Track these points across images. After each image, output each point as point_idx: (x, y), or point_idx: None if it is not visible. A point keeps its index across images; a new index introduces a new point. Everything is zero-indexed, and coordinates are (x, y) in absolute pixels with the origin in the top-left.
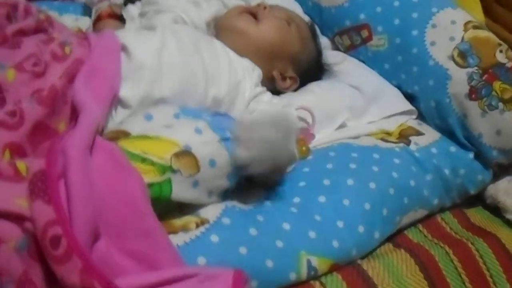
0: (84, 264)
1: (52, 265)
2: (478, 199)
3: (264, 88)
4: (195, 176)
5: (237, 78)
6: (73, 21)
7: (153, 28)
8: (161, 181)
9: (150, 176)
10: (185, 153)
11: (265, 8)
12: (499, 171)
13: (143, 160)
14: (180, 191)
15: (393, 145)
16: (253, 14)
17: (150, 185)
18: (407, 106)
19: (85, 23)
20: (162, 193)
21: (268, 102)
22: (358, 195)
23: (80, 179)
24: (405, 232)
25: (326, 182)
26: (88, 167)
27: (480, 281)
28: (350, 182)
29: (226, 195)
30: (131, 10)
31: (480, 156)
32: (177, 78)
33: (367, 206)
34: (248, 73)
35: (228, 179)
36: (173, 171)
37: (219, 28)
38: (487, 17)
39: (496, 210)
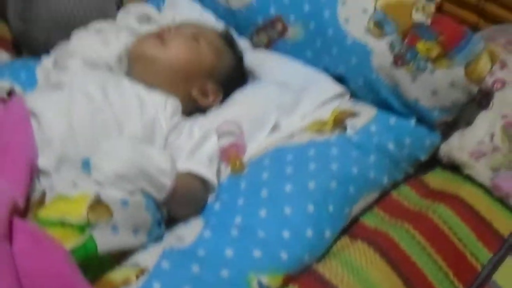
0: None
1: None
2: (436, 161)
3: (182, 119)
4: (111, 222)
5: (150, 115)
6: None
7: (60, 85)
8: (83, 242)
9: (72, 241)
10: (97, 202)
11: (169, 29)
12: (447, 129)
13: (63, 224)
14: (104, 242)
15: (329, 135)
16: (159, 37)
17: (74, 251)
18: (338, 88)
19: None
20: (88, 252)
21: (188, 134)
22: (299, 199)
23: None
24: (361, 219)
25: (264, 193)
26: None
27: (448, 248)
28: (288, 188)
29: (159, 228)
30: (46, 62)
31: (422, 120)
32: (90, 134)
33: (310, 208)
34: (161, 108)
35: (148, 213)
36: (91, 225)
37: (130, 59)
38: None
39: (455, 168)
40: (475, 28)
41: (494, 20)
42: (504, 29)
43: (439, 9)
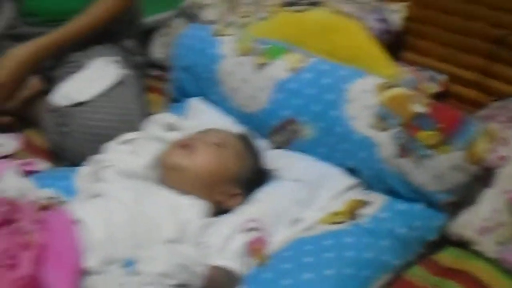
0: None
1: None
2: (446, 239)
3: (211, 220)
4: None
5: (181, 218)
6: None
7: (99, 194)
8: None
9: None
10: None
11: (197, 138)
12: (454, 208)
13: None
14: None
15: (343, 225)
16: (186, 147)
17: None
18: (350, 181)
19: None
20: None
21: (216, 234)
22: (317, 287)
23: None
24: None
25: (285, 282)
26: None
27: None
28: (306, 276)
29: None
30: (83, 171)
31: (429, 203)
32: (129, 238)
33: None
34: (191, 210)
35: None
36: None
37: (160, 168)
38: (414, 53)
39: (464, 244)
40: (480, 105)
41: (498, 94)
42: (504, 106)
43: (445, 91)
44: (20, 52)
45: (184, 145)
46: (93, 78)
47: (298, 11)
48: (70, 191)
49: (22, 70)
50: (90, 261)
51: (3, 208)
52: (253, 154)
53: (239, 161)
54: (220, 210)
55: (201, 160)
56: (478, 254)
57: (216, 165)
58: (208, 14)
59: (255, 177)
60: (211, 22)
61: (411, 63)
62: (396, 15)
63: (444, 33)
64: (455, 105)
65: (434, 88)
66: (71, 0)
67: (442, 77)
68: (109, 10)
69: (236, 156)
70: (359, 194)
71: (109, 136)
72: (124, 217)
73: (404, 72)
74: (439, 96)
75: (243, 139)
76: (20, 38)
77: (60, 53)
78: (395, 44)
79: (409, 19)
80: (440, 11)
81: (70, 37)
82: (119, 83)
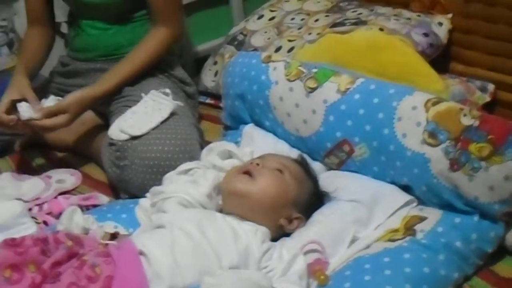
0: None
1: None
2: (504, 249)
3: (271, 244)
4: None
5: (243, 244)
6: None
7: (161, 225)
8: None
9: None
10: None
11: (257, 164)
12: (510, 218)
13: None
14: None
15: (401, 242)
16: (248, 173)
17: None
18: (405, 197)
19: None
20: None
21: (278, 258)
22: None
23: None
24: None
25: None
26: None
27: None
28: None
29: None
30: (144, 203)
31: (485, 215)
32: (193, 266)
33: None
34: (252, 236)
35: None
36: None
37: (223, 195)
38: (461, 64)
39: None
40: None
41: None
42: None
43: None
44: (86, 97)
45: (246, 171)
46: (148, 111)
47: (344, 31)
48: (132, 223)
49: (83, 112)
50: None
51: (68, 243)
52: (311, 177)
53: (299, 185)
54: (280, 234)
55: (264, 186)
56: None
57: (277, 190)
58: (256, 40)
59: (313, 200)
60: (260, 48)
61: (459, 74)
62: (441, 27)
63: (490, 42)
64: (504, 112)
65: (485, 98)
66: (119, 35)
67: (491, 86)
68: (163, 43)
69: (296, 180)
70: (415, 210)
71: (167, 167)
72: (188, 246)
73: (452, 85)
74: (487, 105)
75: (301, 163)
76: (71, 74)
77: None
78: (442, 56)
79: (453, 30)
80: (484, 20)
81: (131, 78)
82: (174, 114)
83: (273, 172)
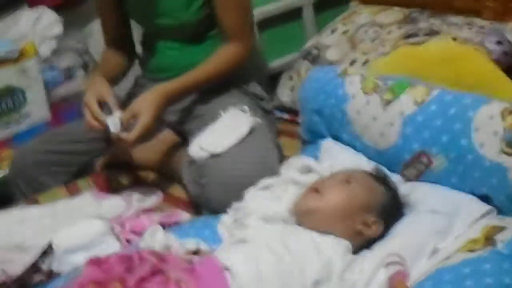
0: None
1: None
2: None
3: (353, 257)
4: None
5: (325, 257)
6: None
7: (244, 240)
8: None
9: None
10: None
11: (323, 181)
12: None
13: None
14: None
15: (481, 252)
16: (315, 190)
17: None
18: (484, 207)
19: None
20: None
21: (359, 271)
22: None
23: None
24: None
25: None
26: None
27: None
28: None
29: None
30: (225, 219)
31: None
32: (276, 281)
33: None
34: (333, 249)
35: None
36: None
37: (296, 214)
38: None
39: None
40: None
41: None
42: None
43: None
44: (153, 93)
45: (314, 189)
46: (227, 129)
47: (417, 42)
48: (214, 240)
49: (162, 109)
50: None
51: (152, 260)
52: (385, 185)
53: (369, 191)
54: (360, 246)
55: (331, 199)
56: None
57: (346, 199)
58: (331, 54)
59: (390, 208)
60: (335, 62)
61: None
62: None
63: None
64: None
65: None
66: (194, 55)
67: None
68: (230, 60)
69: (365, 187)
70: (494, 220)
71: (248, 183)
72: (272, 261)
73: None
74: None
75: (372, 172)
76: None
77: (187, 96)
78: None
79: None
80: None
81: (194, 87)
82: (252, 131)
83: (339, 183)
